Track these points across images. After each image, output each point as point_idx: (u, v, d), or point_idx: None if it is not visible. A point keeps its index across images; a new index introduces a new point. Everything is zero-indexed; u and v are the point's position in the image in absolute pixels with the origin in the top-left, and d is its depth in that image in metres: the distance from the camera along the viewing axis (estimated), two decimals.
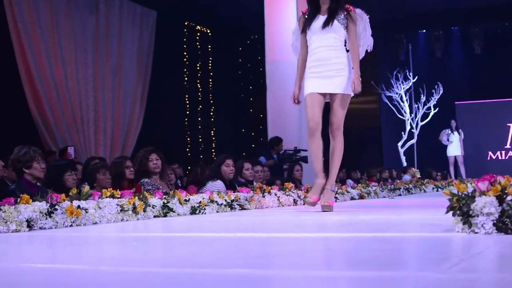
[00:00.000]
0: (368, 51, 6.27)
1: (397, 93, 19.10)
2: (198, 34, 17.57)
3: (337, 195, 7.73)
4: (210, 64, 17.93)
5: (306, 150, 11.45)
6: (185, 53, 17.03)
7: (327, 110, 6.00)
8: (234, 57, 18.75)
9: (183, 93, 16.91)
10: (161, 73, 15.37)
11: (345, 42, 6.05)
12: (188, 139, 16.96)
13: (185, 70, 17.03)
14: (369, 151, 19.69)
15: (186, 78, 17.02)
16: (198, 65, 17.42)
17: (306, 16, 6.09)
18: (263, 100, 12.49)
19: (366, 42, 6.22)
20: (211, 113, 17.84)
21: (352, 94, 5.94)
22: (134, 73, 14.60)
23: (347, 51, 6.05)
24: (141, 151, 7.30)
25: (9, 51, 11.59)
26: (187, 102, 17.02)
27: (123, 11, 14.41)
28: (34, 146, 6.17)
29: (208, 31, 17.84)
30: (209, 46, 17.86)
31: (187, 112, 16.95)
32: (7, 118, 11.49)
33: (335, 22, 5.94)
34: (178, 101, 16.58)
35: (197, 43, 17.49)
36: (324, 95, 5.96)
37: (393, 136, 19.71)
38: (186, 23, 17.08)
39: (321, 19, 5.97)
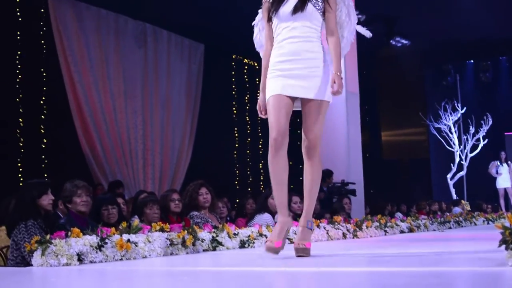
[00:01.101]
0: (351, 41, 5.01)
1: (445, 125, 18.94)
2: (246, 67, 17.64)
3: (386, 228, 7.66)
4: (258, 97, 17.94)
5: (354, 183, 11.39)
6: (233, 86, 17.11)
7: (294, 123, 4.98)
8: None
9: (232, 126, 16.96)
10: (209, 106, 15.45)
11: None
12: (237, 172, 16.97)
13: (233, 103, 17.10)
14: (418, 183, 19.50)
15: (234, 111, 17.08)
16: (246, 98, 17.47)
17: (271, 0, 4.79)
18: None
19: (350, 32, 4.97)
20: (260, 146, 17.84)
21: (331, 101, 4.67)
22: (183, 106, 14.70)
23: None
24: (190, 184, 7.32)
25: (59, 85, 11.76)
26: (236, 135, 17.05)
27: (171, 45, 14.56)
28: (84, 179, 6.23)
29: (256, 64, 17.90)
30: (257, 79, 17.86)
31: (236, 145, 16.97)
32: (58, 152, 11.64)
33: (309, 5, 4.64)
34: (226, 134, 16.63)
35: (245, 76, 17.55)
36: (292, 99, 4.65)
37: (442, 168, 19.50)
38: (233, 56, 17.18)
39: (290, 2, 4.66)
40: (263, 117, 4.90)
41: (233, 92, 17.10)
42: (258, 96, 4.94)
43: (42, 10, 11.72)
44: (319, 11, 4.68)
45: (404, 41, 16.94)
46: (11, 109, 11.10)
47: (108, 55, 12.85)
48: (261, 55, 5.06)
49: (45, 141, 11.60)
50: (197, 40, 15.28)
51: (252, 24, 5.10)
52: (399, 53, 17.82)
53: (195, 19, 13.15)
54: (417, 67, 19.46)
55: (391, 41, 16.74)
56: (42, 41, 11.77)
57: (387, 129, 20.34)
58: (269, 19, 4.79)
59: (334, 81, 4.51)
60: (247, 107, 17.50)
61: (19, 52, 11.33)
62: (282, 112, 4.67)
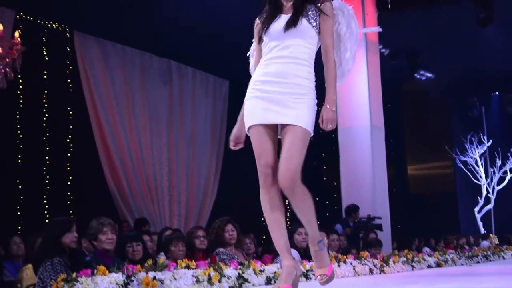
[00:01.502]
0: (356, 52, 4.45)
1: (471, 157, 18.81)
2: None
3: (413, 263, 7.59)
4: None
5: (380, 218, 11.31)
6: None
7: None
8: None
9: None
10: (232, 155, 15.42)
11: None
12: None
13: None
14: (445, 217, 19.34)
15: None
16: None
17: (263, 18, 4.26)
18: (336, 168, 12.43)
19: (353, 43, 4.43)
20: None
21: (312, 133, 4.11)
22: (208, 143, 14.73)
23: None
24: (216, 221, 7.31)
25: (86, 123, 11.84)
26: None
27: (196, 81, 14.63)
28: (109, 216, 6.24)
29: None
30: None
31: None
32: (84, 188, 11.69)
33: (304, 21, 4.11)
34: (252, 170, 16.56)
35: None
36: (274, 128, 4.11)
37: (469, 201, 19.33)
38: None
39: (283, 18, 4.14)
40: (234, 148, 4.38)
41: None
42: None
43: (68, 49, 11.84)
44: (314, 28, 4.14)
45: (428, 74, 16.91)
46: (38, 146, 11.19)
47: (134, 92, 12.93)
48: None
49: (71, 178, 11.66)
50: (222, 77, 15.35)
51: (247, 54, 4.63)
52: (423, 86, 17.80)
53: (220, 55, 13.21)
54: (441, 100, 19.41)
55: (415, 74, 16.73)
56: (69, 79, 11.88)
57: (413, 162, 20.25)
58: (260, 40, 4.27)
59: (323, 116, 4.06)
60: None
61: (46, 91, 11.45)
62: (266, 142, 4.11)
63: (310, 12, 4.14)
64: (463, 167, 18.89)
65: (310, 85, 4.12)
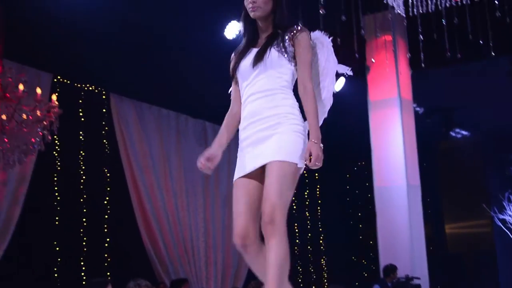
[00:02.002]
0: (334, 91, 4.05)
1: (510, 216, 18.55)
2: None
3: None
4: (318, 192, 17.93)
5: (419, 278, 11.16)
6: None
7: None
8: (342, 184, 18.72)
9: (292, 222, 16.86)
10: None
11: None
12: (300, 268, 16.78)
13: (293, 198, 17.01)
14: (484, 276, 19.03)
15: (294, 207, 17.02)
16: (305, 193, 17.43)
17: (236, 54, 3.98)
18: (373, 227, 12.33)
19: (331, 81, 4.01)
20: (321, 241, 17.71)
21: (300, 164, 3.75)
22: None
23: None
24: (252, 282, 7.28)
25: (122, 184, 11.92)
26: (296, 230, 16.95)
27: (231, 142, 14.64)
28: (146, 277, 6.25)
29: None
30: (316, 174, 17.89)
31: (297, 241, 16.84)
32: (121, 250, 11.71)
33: (272, 51, 3.79)
34: (287, 230, 16.54)
35: (304, 172, 17.51)
36: (256, 178, 3.75)
37: (509, 260, 19.03)
38: None
39: (253, 52, 3.86)
40: (201, 167, 4.04)
41: None
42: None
43: (104, 111, 11.99)
44: (286, 55, 3.81)
45: (463, 132, 16.83)
46: (75, 208, 11.26)
47: (169, 153, 13.01)
48: None
49: (108, 239, 11.70)
50: None
51: (229, 91, 4.21)
52: (459, 144, 17.69)
53: None
54: (478, 157, 19.26)
55: (451, 132, 16.66)
56: (105, 141, 12.00)
57: (450, 221, 20.00)
58: (234, 77, 3.98)
59: (310, 152, 3.68)
60: (307, 202, 17.45)
61: (82, 152, 11.57)
62: (240, 205, 3.74)
63: (283, 42, 3.85)
64: (502, 226, 18.62)
65: (287, 110, 3.78)
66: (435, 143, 17.96)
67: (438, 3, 8.34)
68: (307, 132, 3.80)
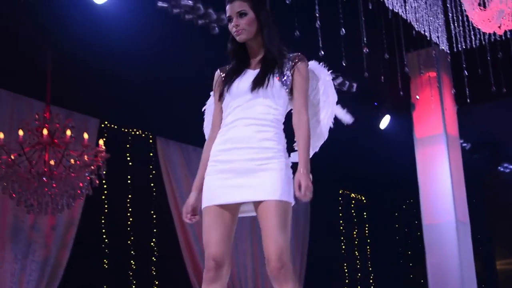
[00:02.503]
0: (330, 126, 3.95)
1: None
2: (353, 201, 17.59)
3: None
4: (366, 231, 17.81)
5: None
6: (341, 221, 17.02)
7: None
8: (390, 222, 18.57)
9: (341, 262, 16.77)
10: (318, 242, 15.37)
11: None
12: None
13: (341, 238, 16.96)
14: None
15: (343, 246, 16.93)
16: (354, 233, 17.33)
17: (224, 74, 3.82)
18: (423, 265, 12.19)
19: (328, 115, 3.93)
20: (371, 281, 17.53)
21: (293, 202, 3.63)
22: (292, 243, 14.63)
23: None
24: None
25: (170, 226, 11.96)
26: (346, 270, 16.83)
27: None
28: None
29: (363, 198, 17.85)
30: (365, 213, 17.79)
31: (346, 281, 16.72)
32: None
33: (275, 80, 3.65)
34: (336, 270, 16.43)
35: (352, 211, 17.47)
36: (237, 205, 3.63)
37: None
38: (340, 191, 17.18)
39: (249, 75, 3.72)
40: (188, 221, 3.81)
41: (341, 227, 16.99)
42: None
43: (151, 154, 12.09)
44: (285, 87, 3.69)
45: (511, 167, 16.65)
46: (123, 251, 11.33)
47: None
48: None
49: (156, 282, 11.72)
50: None
51: (202, 109, 4.14)
52: (507, 178, 17.47)
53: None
54: None
55: (499, 167, 16.49)
56: (152, 184, 12.08)
57: (501, 257, 19.69)
58: (221, 97, 3.79)
59: (299, 182, 3.50)
60: (356, 242, 17.33)
61: (129, 196, 11.66)
62: (214, 232, 3.60)
63: (282, 69, 3.72)
64: None
65: (278, 147, 3.63)
66: (483, 178, 17.74)
67: (482, 38, 8.29)
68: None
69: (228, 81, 3.77)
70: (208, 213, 3.63)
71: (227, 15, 3.80)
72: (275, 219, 3.50)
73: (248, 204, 3.66)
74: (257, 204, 3.57)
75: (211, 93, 4.06)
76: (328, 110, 3.94)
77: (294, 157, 3.76)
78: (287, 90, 3.71)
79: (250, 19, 3.74)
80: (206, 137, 4.00)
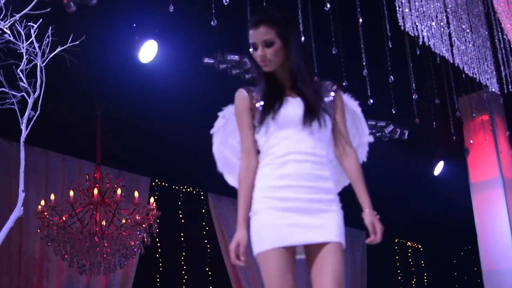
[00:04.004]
0: (363, 160, 3.70)
1: None
2: (410, 250, 17.33)
3: None
4: (425, 280, 17.51)
5: None
6: (398, 271, 16.77)
7: None
8: (449, 269, 18.24)
9: None
10: None
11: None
12: None
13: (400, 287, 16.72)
14: None
15: None
16: (413, 282, 17.05)
17: (262, 101, 3.42)
18: None
19: (362, 146, 3.73)
20: None
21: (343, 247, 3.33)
22: None
23: None
24: None
25: (225, 284, 11.88)
26: None
27: None
28: None
29: (419, 246, 17.58)
30: (422, 262, 17.51)
31: None
32: None
33: (322, 111, 3.39)
34: None
35: (410, 260, 17.21)
36: (293, 251, 3.29)
37: None
38: (396, 240, 16.96)
39: (294, 103, 3.37)
40: (241, 264, 3.33)
41: (399, 277, 16.74)
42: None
43: (203, 211, 12.06)
44: (331, 119, 3.44)
45: None
46: None
47: None
48: (230, 180, 3.77)
49: None
50: (358, 228, 15.22)
51: (211, 132, 3.79)
52: None
53: (355, 208, 13.19)
54: None
55: None
56: (205, 240, 12.02)
57: None
58: (261, 123, 3.39)
59: (373, 225, 3.35)
60: None
61: (184, 253, 11.61)
62: (290, 275, 3.23)
63: (324, 102, 3.44)
64: None
65: (335, 189, 3.42)
66: None
67: None
68: None
69: (271, 106, 3.38)
70: (274, 254, 3.21)
71: (251, 42, 3.44)
72: (339, 266, 3.23)
73: (299, 247, 3.33)
74: (317, 246, 3.24)
75: (221, 114, 3.71)
76: (360, 141, 3.72)
77: None
78: (332, 121, 3.45)
79: (277, 49, 3.41)
80: (219, 165, 3.81)
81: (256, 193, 3.35)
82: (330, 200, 3.33)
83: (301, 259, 3.36)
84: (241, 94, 3.51)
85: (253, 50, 3.45)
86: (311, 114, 3.34)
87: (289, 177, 3.27)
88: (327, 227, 3.24)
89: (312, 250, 3.26)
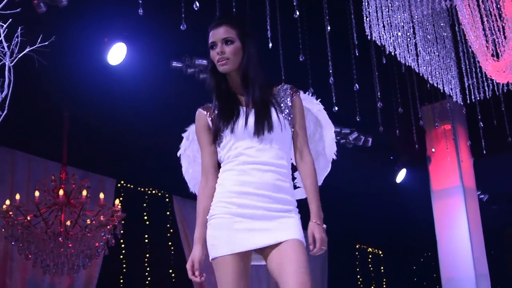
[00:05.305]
0: (333, 158, 3.67)
1: None
2: (370, 256, 17.47)
3: None
4: (384, 285, 17.65)
5: None
6: (358, 276, 16.90)
7: None
8: (408, 276, 18.41)
9: None
10: None
11: None
12: None
13: None
14: None
15: None
16: (372, 286, 17.18)
17: (216, 111, 3.41)
18: None
19: (329, 145, 3.67)
20: None
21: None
22: None
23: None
24: None
25: (188, 286, 11.88)
26: None
27: None
28: None
29: (380, 252, 17.73)
30: (382, 268, 17.66)
31: None
32: None
33: (281, 118, 3.34)
34: None
35: (370, 265, 17.35)
36: (250, 255, 3.26)
37: None
38: (357, 246, 17.09)
39: (251, 113, 3.32)
40: (197, 279, 3.26)
41: (359, 282, 16.87)
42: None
43: (168, 213, 12.08)
44: (291, 126, 3.39)
45: None
46: None
47: None
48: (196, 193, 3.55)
49: None
50: None
51: (178, 154, 3.81)
52: None
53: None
54: None
55: None
56: (170, 242, 12.04)
57: None
58: (215, 138, 3.38)
59: (313, 234, 3.21)
60: None
61: (147, 255, 11.62)
62: (244, 282, 3.20)
63: (281, 105, 3.40)
64: None
65: (295, 201, 3.35)
66: (502, 229, 17.62)
67: (496, 89, 8.30)
68: None
69: (227, 120, 3.34)
70: (231, 262, 3.17)
71: (211, 41, 3.42)
72: (301, 258, 3.13)
73: (255, 253, 3.28)
74: (274, 246, 3.18)
75: (185, 135, 3.76)
76: (327, 140, 3.67)
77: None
78: (291, 127, 3.40)
79: (237, 48, 3.39)
80: (189, 183, 3.78)
81: (215, 197, 3.32)
82: (289, 210, 3.26)
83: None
84: (199, 114, 3.50)
85: (212, 50, 3.43)
86: (267, 123, 3.29)
87: (251, 185, 3.23)
88: (286, 228, 3.18)
89: (271, 250, 3.19)
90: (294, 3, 6.31)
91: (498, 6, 6.51)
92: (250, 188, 3.22)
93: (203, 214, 3.31)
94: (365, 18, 6.67)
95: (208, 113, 3.45)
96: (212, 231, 3.25)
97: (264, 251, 3.22)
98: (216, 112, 3.41)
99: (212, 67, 3.48)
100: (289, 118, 3.37)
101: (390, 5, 6.86)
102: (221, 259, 3.19)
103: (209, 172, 3.39)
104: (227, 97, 3.42)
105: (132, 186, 11.55)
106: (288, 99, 3.42)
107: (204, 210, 3.32)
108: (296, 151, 3.40)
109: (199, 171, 3.52)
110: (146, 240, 11.68)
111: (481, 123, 9.28)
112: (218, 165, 3.44)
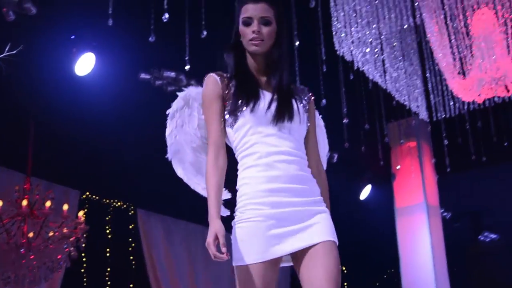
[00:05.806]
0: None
1: None
2: None
3: None
4: None
5: None
6: None
7: None
8: None
9: None
10: None
11: None
12: None
13: None
14: None
15: None
16: None
17: (235, 85, 3.12)
18: None
19: (324, 154, 3.54)
20: None
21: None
22: None
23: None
24: None
25: None
26: None
27: None
28: None
29: (343, 268, 17.74)
30: (345, 284, 17.67)
31: None
32: None
33: (301, 107, 3.14)
34: None
35: None
36: (278, 261, 2.99)
37: None
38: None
39: (271, 99, 3.07)
40: (224, 257, 2.84)
41: None
42: None
43: (131, 226, 12.00)
44: (307, 122, 3.21)
45: (492, 236, 16.66)
46: None
47: (197, 268, 12.91)
48: (178, 171, 3.41)
49: None
50: None
51: (167, 112, 3.44)
52: (488, 247, 17.48)
53: None
54: (508, 260, 19.00)
55: (479, 236, 16.51)
56: (131, 257, 11.96)
57: None
58: (232, 113, 3.08)
59: None
60: None
61: (108, 268, 11.53)
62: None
63: (302, 103, 3.20)
64: None
65: (319, 190, 3.15)
66: (464, 247, 17.75)
67: (461, 107, 8.39)
68: None
69: (248, 98, 3.06)
70: (261, 271, 2.91)
71: (247, 16, 3.12)
72: (336, 262, 2.93)
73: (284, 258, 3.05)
74: (311, 249, 2.96)
75: (181, 94, 3.38)
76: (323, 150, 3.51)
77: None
78: (307, 125, 3.22)
79: (273, 30, 3.14)
80: (170, 152, 3.44)
81: (242, 199, 3.04)
82: (318, 202, 3.09)
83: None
84: (212, 79, 3.17)
85: (244, 25, 3.14)
86: (288, 111, 3.08)
87: (278, 179, 2.98)
88: (318, 230, 2.98)
89: (301, 251, 2.98)
90: None
91: (466, 24, 6.59)
92: (279, 183, 2.97)
93: (216, 188, 2.97)
94: (334, 33, 6.70)
95: (222, 81, 3.15)
96: (242, 236, 2.97)
97: (300, 251, 2.99)
98: (233, 89, 3.12)
99: (235, 42, 3.21)
100: (306, 114, 3.20)
101: (359, 21, 6.91)
102: (248, 268, 2.93)
103: (221, 147, 3.08)
104: (246, 76, 3.16)
105: (97, 198, 11.45)
106: (306, 98, 3.26)
107: (217, 184, 3.00)
108: (311, 160, 3.21)
109: (183, 139, 3.33)
110: (108, 254, 11.58)
111: (446, 141, 9.36)
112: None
